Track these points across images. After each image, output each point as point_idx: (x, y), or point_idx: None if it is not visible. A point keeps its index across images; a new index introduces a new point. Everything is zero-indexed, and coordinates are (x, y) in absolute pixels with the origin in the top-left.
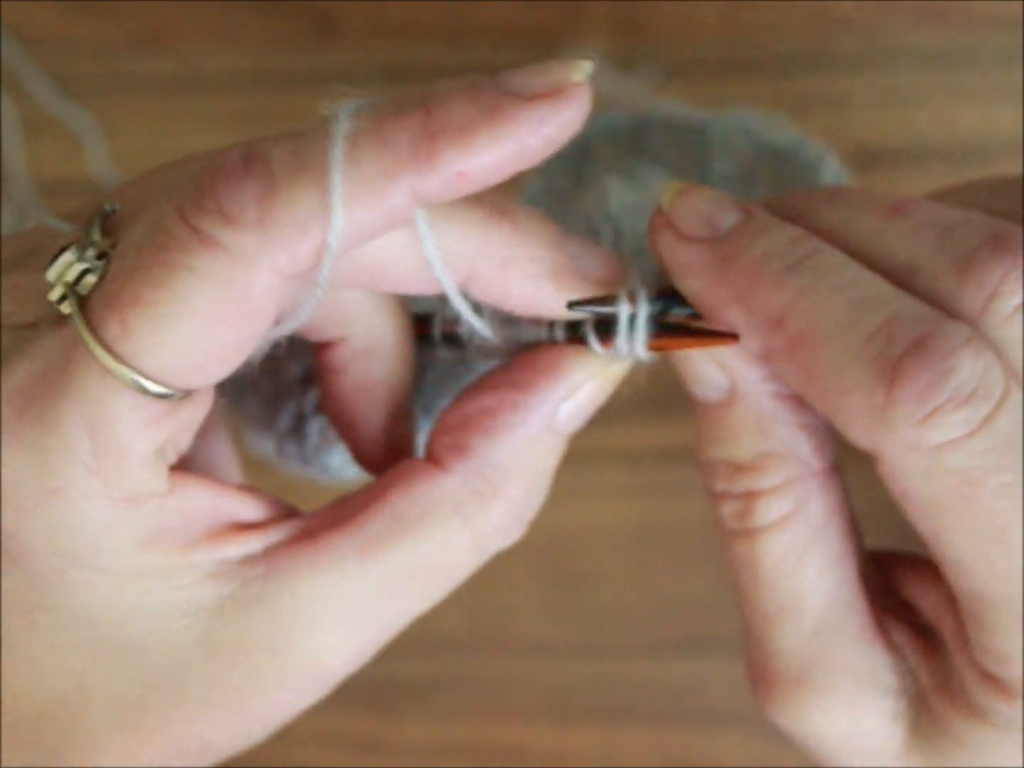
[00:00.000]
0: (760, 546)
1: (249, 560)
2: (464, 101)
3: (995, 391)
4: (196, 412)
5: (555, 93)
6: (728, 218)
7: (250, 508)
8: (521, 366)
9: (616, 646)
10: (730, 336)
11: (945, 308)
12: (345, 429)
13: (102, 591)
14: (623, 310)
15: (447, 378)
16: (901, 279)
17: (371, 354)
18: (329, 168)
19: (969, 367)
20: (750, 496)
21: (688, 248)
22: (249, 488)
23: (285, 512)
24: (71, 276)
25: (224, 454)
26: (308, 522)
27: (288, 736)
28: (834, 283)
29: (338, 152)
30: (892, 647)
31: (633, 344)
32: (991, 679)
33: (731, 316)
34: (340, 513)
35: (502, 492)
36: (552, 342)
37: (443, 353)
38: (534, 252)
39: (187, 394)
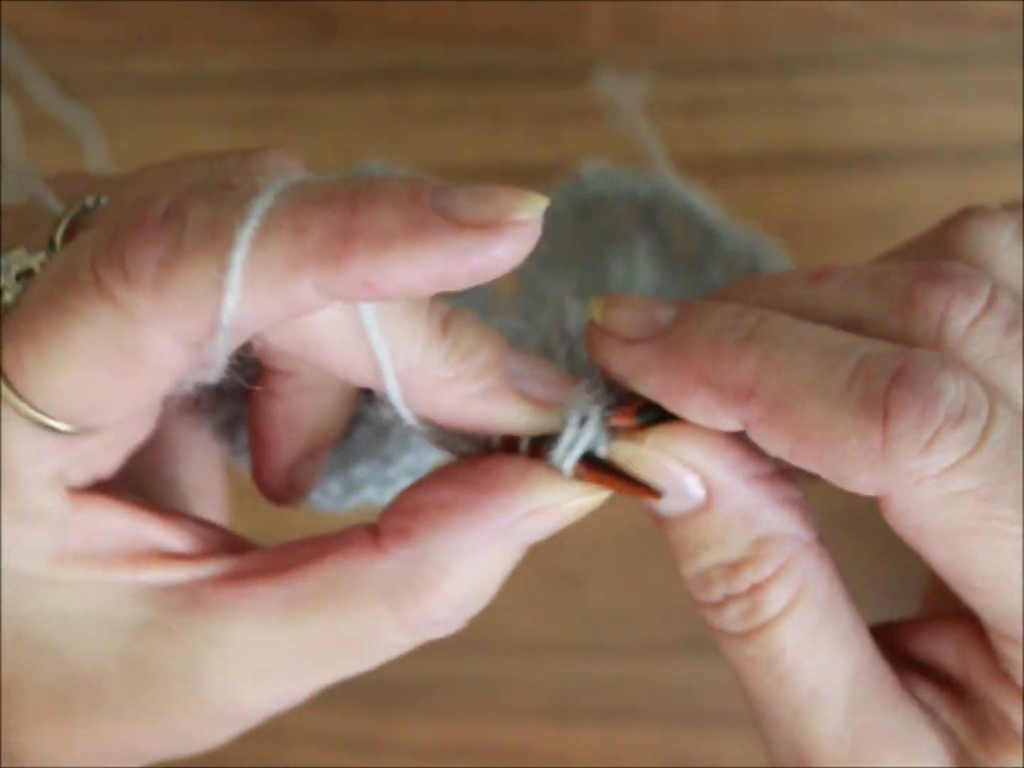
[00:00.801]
0: (776, 638)
1: (172, 589)
2: (392, 208)
3: (982, 405)
4: (111, 441)
5: (492, 226)
6: (666, 313)
7: (178, 537)
8: (487, 468)
9: (616, 646)
10: (655, 493)
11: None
12: (257, 446)
13: (20, 594)
14: (567, 435)
15: (379, 436)
16: (849, 331)
17: (313, 394)
18: (233, 247)
19: (954, 387)
20: (755, 590)
21: (636, 349)
22: (183, 516)
23: (223, 545)
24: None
25: (205, 480)
26: (242, 563)
27: (286, 736)
28: (794, 341)
29: (248, 232)
30: (923, 707)
31: (562, 466)
32: None
33: (699, 401)
34: (276, 562)
35: (437, 587)
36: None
37: (384, 413)
38: (468, 373)
39: (88, 429)
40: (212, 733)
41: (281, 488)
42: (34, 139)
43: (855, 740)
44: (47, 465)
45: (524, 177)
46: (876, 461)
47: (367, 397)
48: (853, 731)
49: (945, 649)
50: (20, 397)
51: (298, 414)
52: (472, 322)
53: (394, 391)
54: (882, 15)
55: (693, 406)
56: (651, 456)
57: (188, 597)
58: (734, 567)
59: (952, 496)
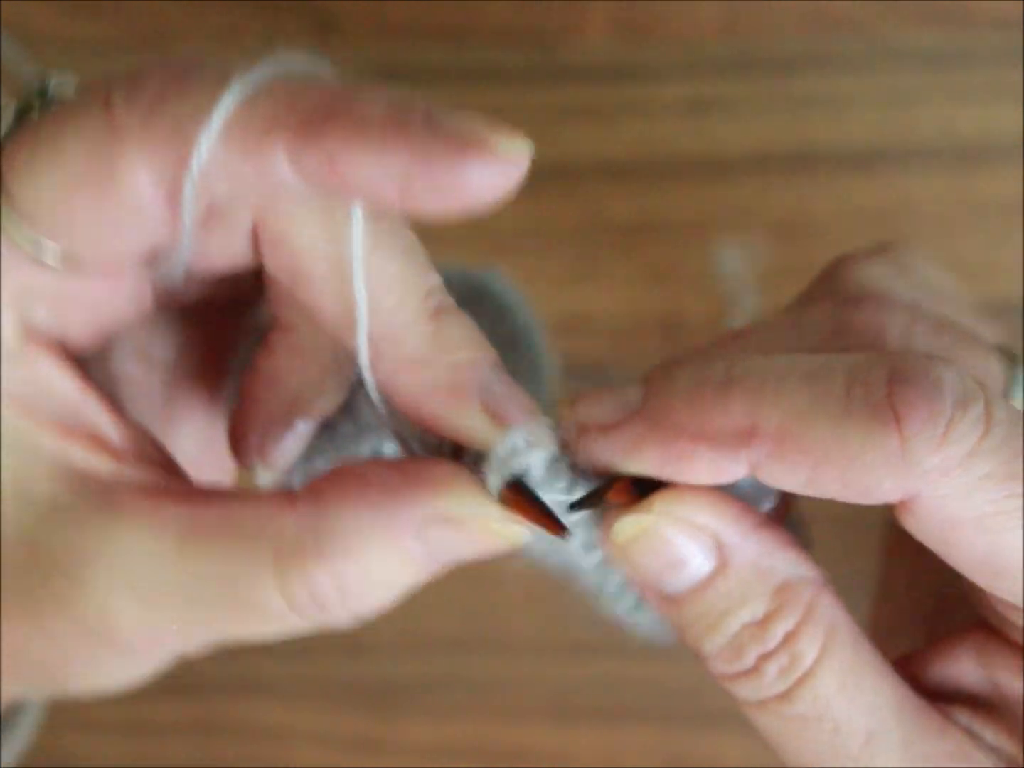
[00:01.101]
0: (821, 686)
1: (91, 479)
2: (381, 103)
3: (975, 388)
4: (85, 300)
5: (470, 143)
6: (633, 392)
7: (116, 431)
8: (418, 462)
9: (616, 646)
10: (561, 529)
11: None
12: (240, 399)
13: None
14: (501, 450)
15: (356, 436)
16: None
17: (303, 358)
18: (225, 93)
19: (950, 374)
20: (789, 640)
21: (620, 432)
22: (129, 418)
23: (156, 460)
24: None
25: (213, 450)
26: (164, 482)
27: (286, 736)
28: (775, 372)
29: (242, 85)
30: (965, 731)
31: (488, 481)
32: None
33: (703, 462)
34: (194, 492)
35: (327, 559)
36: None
37: (366, 413)
38: (440, 365)
39: (66, 263)
40: (89, 656)
41: (249, 447)
42: None
43: None
44: (12, 283)
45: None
46: (898, 465)
47: (354, 396)
48: (912, 763)
49: (964, 667)
50: (7, 199)
51: (284, 373)
52: (464, 324)
53: (363, 348)
54: (882, 15)
55: (698, 467)
56: (661, 524)
57: (102, 492)
58: (762, 624)
59: (977, 481)
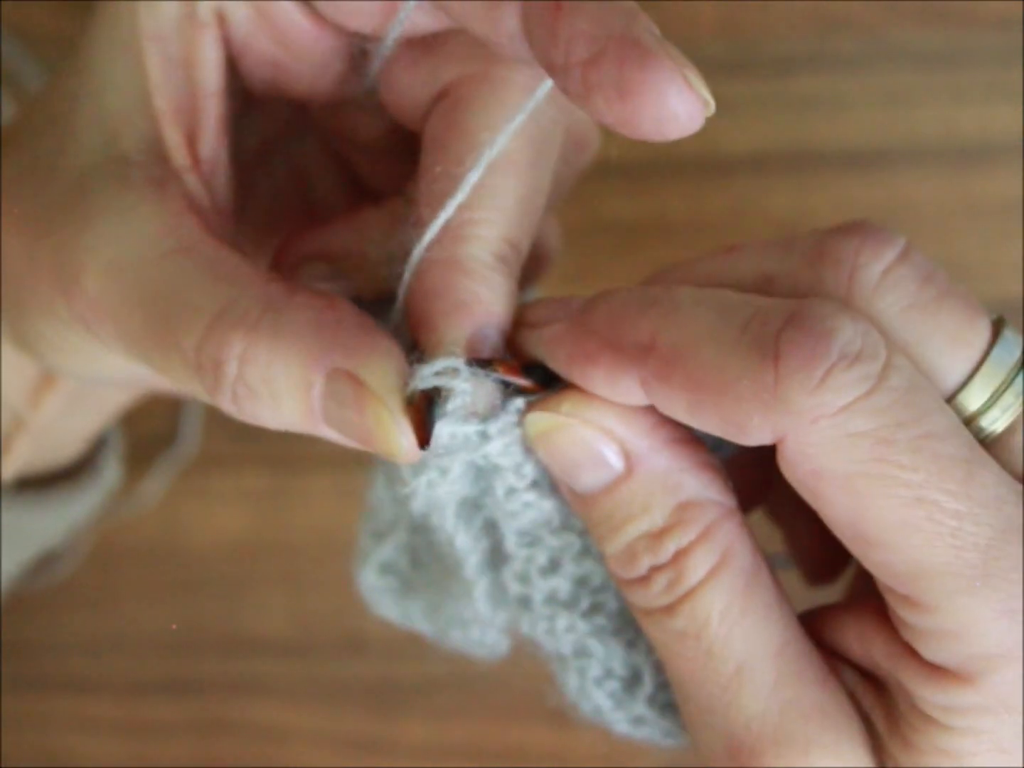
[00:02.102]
0: (701, 606)
1: (161, 159)
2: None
3: (880, 350)
4: (288, 29)
5: (682, 68)
6: (576, 303)
7: (208, 145)
8: (374, 328)
9: None
10: (423, 438)
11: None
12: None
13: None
14: (440, 364)
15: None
16: (759, 290)
17: (379, 231)
18: None
19: (850, 327)
20: (680, 556)
21: (548, 328)
22: (223, 147)
23: (219, 198)
24: None
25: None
26: (210, 211)
27: (286, 736)
28: (693, 301)
29: None
30: (847, 690)
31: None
32: (942, 674)
33: (602, 367)
34: (217, 233)
35: (253, 335)
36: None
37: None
38: (464, 285)
39: None
40: (48, 296)
41: (283, 261)
42: None
43: (782, 714)
44: None
45: None
46: (769, 401)
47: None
48: (780, 705)
49: (848, 637)
50: None
51: (352, 230)
52: (508, 284)
53: (435, 226)
54: (882, 15)
55: (597, 373)
56: (568, 424)
57: (161, 175)
58: (658, 536)
59: (849, 437)
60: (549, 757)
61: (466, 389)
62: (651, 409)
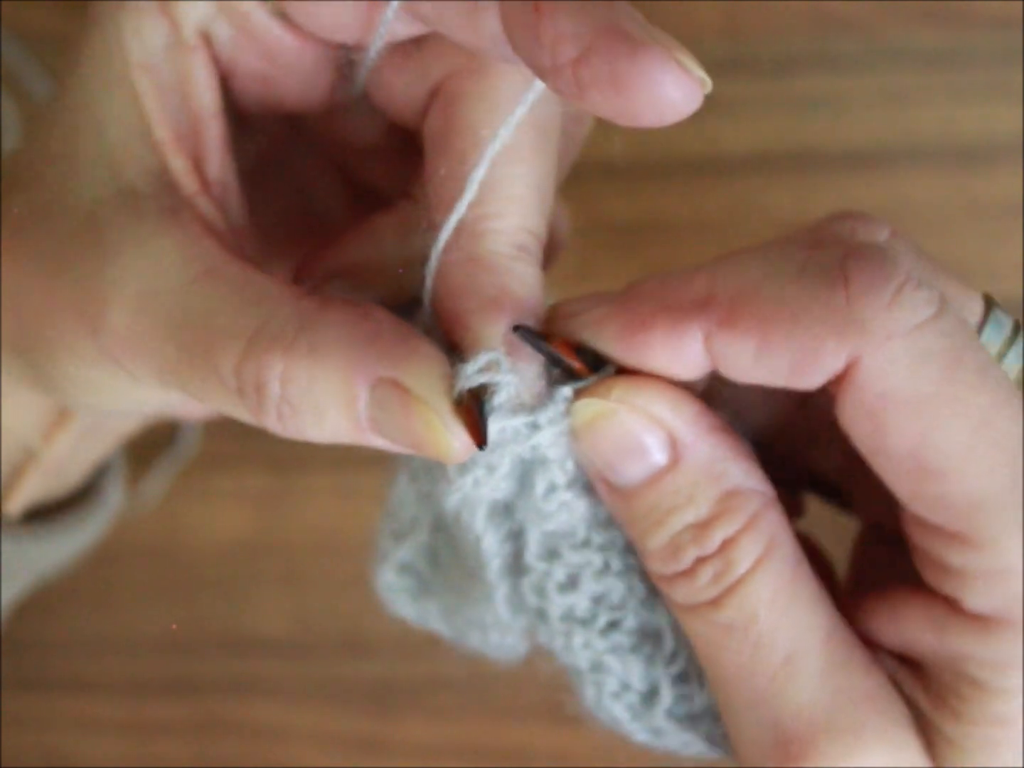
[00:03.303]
0: (749, 596)
1: (171, 188)
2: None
3: (931, 286)
4: (271, 43)
5: (671, 50)
6: (612, 294)
7: (215, 166)
8: (415, 333)
9: None
10: (479, 437)
11: None
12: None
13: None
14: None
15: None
16: None
17: (401, 236)
18: None
19: (907, 258)
20: (727, 546)
21: (594, 309)
22: (229, 165)
23: (233, 216)
24: None
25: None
26: (226, 233)
27: (286, 736)
28: (741, 254)
29: None
30: (891, 677)
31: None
32: (989, 624)
33: (660, 329)
34: (239, 253)
35: (291, 353)
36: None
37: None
38: (496, 280)
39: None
40: (75, 333)
41: (307, 273)
42: None
43: (832, 702)
44: None
45: None
46: (843, 322)
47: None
48: (830, 694)
49: (880, 621)
50: None
51: (375, 237)
52: (534, 273)
53: (449, 226)
54: (882, 15)
55: (655, 338)
56: (616, 411)
57: (173, 204)
58: (703, 526)
59: (921, 356)
60: (549, 757)
61: (511, 381)
62: (695, 398)
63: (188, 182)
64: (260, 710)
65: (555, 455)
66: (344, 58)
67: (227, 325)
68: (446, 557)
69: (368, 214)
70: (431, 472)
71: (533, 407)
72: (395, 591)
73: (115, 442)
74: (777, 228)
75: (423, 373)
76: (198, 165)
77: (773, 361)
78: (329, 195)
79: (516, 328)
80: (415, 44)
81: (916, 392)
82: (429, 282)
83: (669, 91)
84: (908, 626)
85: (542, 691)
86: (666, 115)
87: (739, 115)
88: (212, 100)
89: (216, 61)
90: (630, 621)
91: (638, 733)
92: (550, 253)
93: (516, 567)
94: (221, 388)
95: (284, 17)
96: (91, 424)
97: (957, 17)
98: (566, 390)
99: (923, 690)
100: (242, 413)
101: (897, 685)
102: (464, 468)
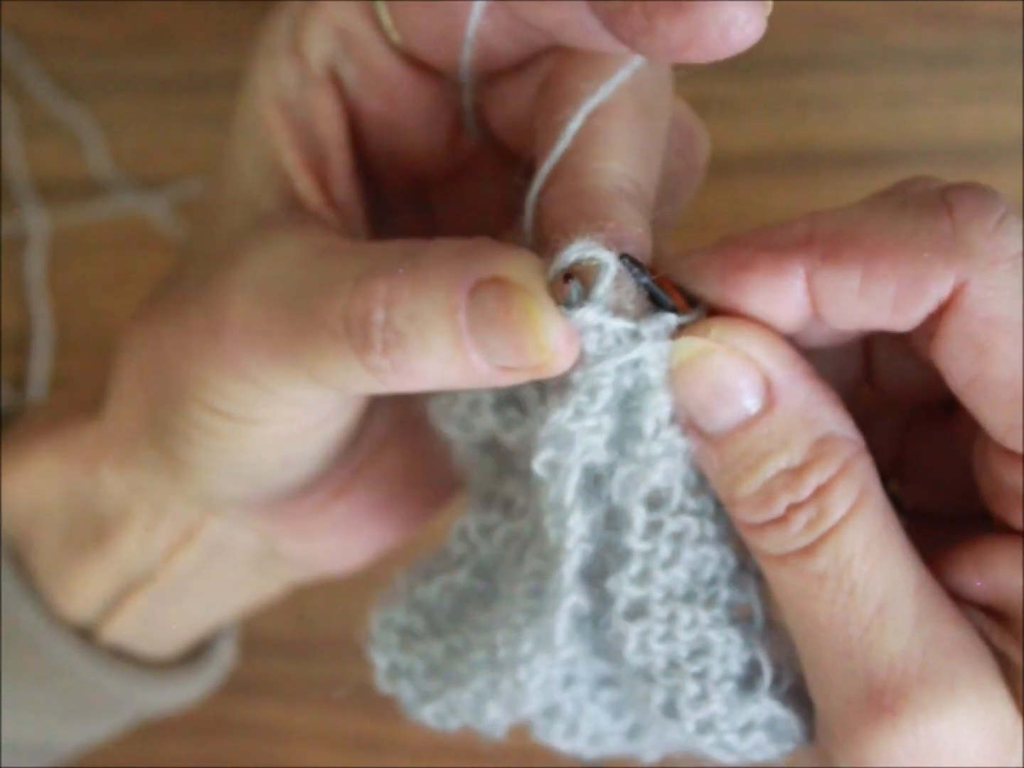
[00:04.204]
0: (844, 543)
1: (297, 205)
2: None
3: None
4: (395, 85)
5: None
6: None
7: (340, 185)
8: (508, 246)
9: None
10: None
11: None
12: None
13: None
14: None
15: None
16: None
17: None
18: None
19: (1003, 198)
20: (821, 492)
21: (695, 254)
22: (350, 184)
23: (356, 230)
24: None
25: None
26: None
27: (286, 736)
28: (847, 205)
29: None
30: (979, 629)
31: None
32: None
33: (761, 269)
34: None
35: (392, 278)
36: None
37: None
38: (599, 194)
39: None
40: (203, 351)
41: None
42: (34, 139)
43: (925, 652)
44: (351, 28)
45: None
46: (950, 247)
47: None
48: (923, 643)
49: (966, 572)
50: None
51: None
52: (637, 209)
53: (558, 151)
54: (882, 15)
55: (757, 278)
56: (714, 350)
57: (300, 220)
58: (797, 472)
59: None
60: (549, 757)
61: (610, 261)
62: (791, 343)
63: (314, 199)
64: (260, 710)
65: (659, 375)
66: (457, 95)
67: (337, 275)
68: (474, 603)
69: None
70: (514, 479)
71: (636, 316)
72: (391, 630)
73: (238, 606)
74: None
75: (520, 265)
76: (324, 187)
77: (878, 293)
78: None
79: (622, 256)
80: (518, 67)
81: (1021, 317)
82: (529, 214)
83: (732, 8)
84: (996, 572)
85: None
86: (732, 36)
87: (739, 115)
88: (339, 131)
89: (344, 99)
90: (724, 595)
91: (728, 733)
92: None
93: (594, 572)
94: (331, 341)
95: (398, 49)
96: (214, 547)
97: (957, 17)
98: (668, 317)
99: (1012, 640)
100: (351, 362)
101: (985, 637)
102: (565, 394)
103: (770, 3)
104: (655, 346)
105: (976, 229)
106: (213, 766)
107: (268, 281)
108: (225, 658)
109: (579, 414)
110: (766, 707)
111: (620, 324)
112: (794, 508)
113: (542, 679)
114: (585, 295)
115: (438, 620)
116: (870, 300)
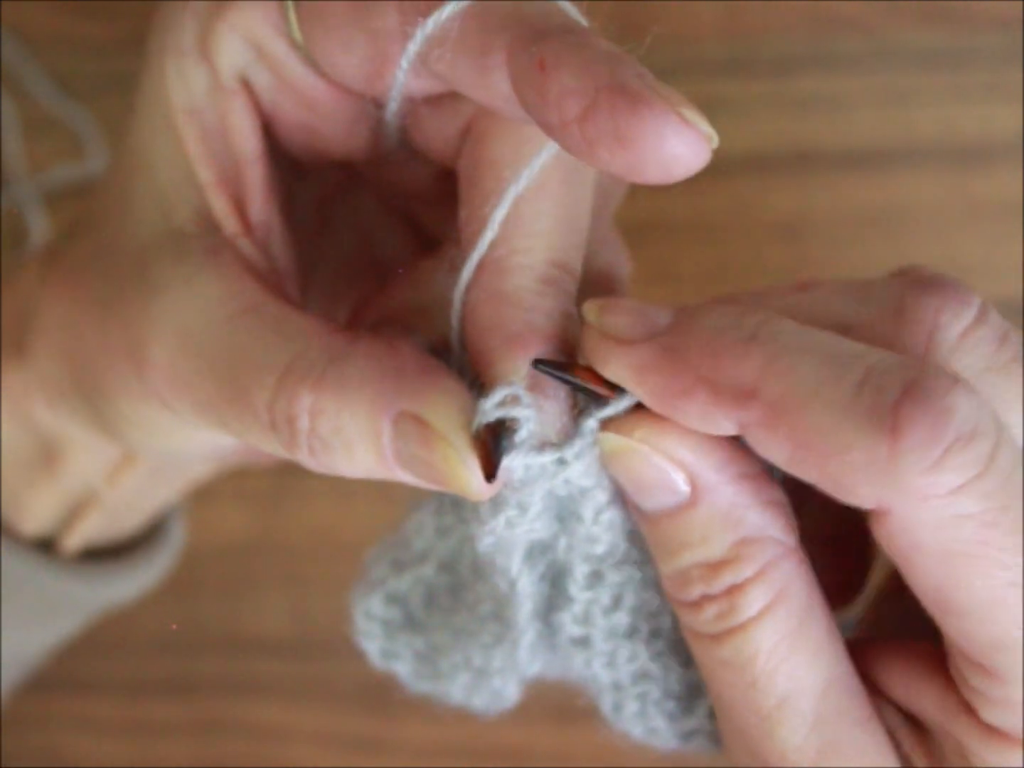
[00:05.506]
0: (749, 641)
1: (214, 229)
2: (601, 41)
3: (992, 428)
4: (308, 90)
5: (675, 105)
6: (662, 315)
7: (257, 209)
8: (440, 369)
9: None
10: (489, 474)
11: None
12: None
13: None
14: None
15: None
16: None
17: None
18: None
19: (967, 404)
20: (733, 591)
21: (634, 350)
22: (270, 208)
23: (275, 256)
24: None
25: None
26: (266, 271)
27: (287, 736)
28: (799, 345)
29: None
30: (889, 731)
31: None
32: (1000, 736)
33: (697, 404)
34: (277, 290)
35: (320, 387)
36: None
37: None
38: (520, 316)
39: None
40: (120, 373)
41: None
42: (34, 139)
43: (820, 753)
44: (256, 34)
45: None
46: (881, 474)
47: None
48: (818, 744)
49: (894, 679)
50: None
51: (424, 281)
52: (561, 305)
53: (472, 262)
54: (882, 15)
55: (691, 409)
56: (639, 450)
57: (215, 244)
58: (714, 567)
59: (955, 518)
60: (549, 757)
61: (530, 416)
62: (726, 442)
63: (230, 223)
64: (260, 710)
65: (591, 482)
66: (379, 110)
67: (262, 360)
68: (445, 598)
69: (416, 259)
70: (460, 510)
71: (560, 443)
72: (374, 621)
73: (179, 488)
74: (777, 228)
75: (442, 407)
76: (240, 207)
77: (804, 474)
78: (392, 239)
79: (536, 362)
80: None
81: (946, 549)
82: (455, 321)
83: (674, 146)
84: (920, 699)
85: (542, 691)
86: (673, 171)
87: (739, 115)
88: (254, 144)
89: (258, 107)
90: (667, 623)
91: (672, 740)
92: (608, 289)
93: (547, 607)
94: (256, 423)
95: (316, 66)
96: (155, 468)
97: (957, 17)
98: (592, 423)
99: (922, 753)
100: (277, 448)
101: (897, 741)
102: (496, 508)
103: (715, 136)
104: (580, 465)
105: (913, 464)
106: (213, 766)
107: (189, 330)
108: (178, 535)
109: (511, 524)
110: (707, 720)
111: (547, 458)
112: (707, 599)
113: (518, 681)
114: (508, 443)
115: (414, 611)
116: (797, 474)
